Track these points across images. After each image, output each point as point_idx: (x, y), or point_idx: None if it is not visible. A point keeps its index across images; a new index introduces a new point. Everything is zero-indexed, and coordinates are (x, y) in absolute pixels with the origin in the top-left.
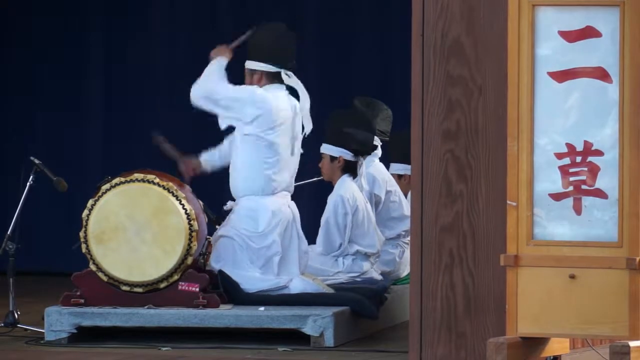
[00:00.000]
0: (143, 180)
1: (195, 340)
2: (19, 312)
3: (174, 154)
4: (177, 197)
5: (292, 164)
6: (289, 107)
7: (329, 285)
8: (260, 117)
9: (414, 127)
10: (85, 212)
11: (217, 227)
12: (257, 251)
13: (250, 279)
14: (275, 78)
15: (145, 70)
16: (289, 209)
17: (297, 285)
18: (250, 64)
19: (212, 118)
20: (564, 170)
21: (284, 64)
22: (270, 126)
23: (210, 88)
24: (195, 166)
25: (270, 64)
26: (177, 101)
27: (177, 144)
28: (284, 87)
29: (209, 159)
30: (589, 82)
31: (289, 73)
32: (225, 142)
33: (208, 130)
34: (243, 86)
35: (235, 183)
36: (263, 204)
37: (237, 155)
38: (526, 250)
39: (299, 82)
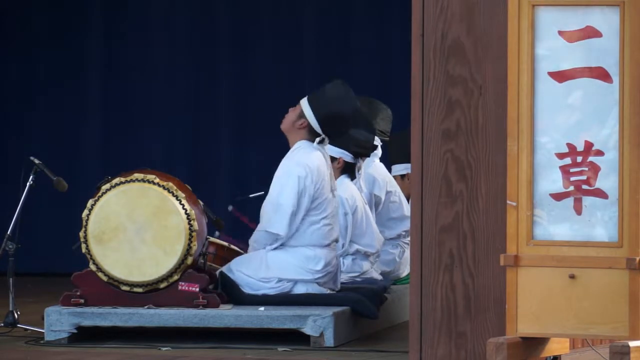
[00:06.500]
0: (143, 180)
1: (195, 340)
2: (19, 312)
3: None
4: (177, 197)
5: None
6: (325, 162)
7: None
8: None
9: (414, 127)
10: (85, 212)
11: (217, 228)
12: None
13: (259, 286)
14: (313, 134)
15: (145, 70)
16: (336, 261)
17: (300, 286)
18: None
19: (212, 119)
20: (564, 170)
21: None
22: (318, 185)
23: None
24: None
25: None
26: (177, 102)
27: (177, 145)
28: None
29: None
30: (589, 82)
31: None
32: None
33: (208, 131)
34: (284, 186)
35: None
36: (317, 254)
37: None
38: (526, 250)
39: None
